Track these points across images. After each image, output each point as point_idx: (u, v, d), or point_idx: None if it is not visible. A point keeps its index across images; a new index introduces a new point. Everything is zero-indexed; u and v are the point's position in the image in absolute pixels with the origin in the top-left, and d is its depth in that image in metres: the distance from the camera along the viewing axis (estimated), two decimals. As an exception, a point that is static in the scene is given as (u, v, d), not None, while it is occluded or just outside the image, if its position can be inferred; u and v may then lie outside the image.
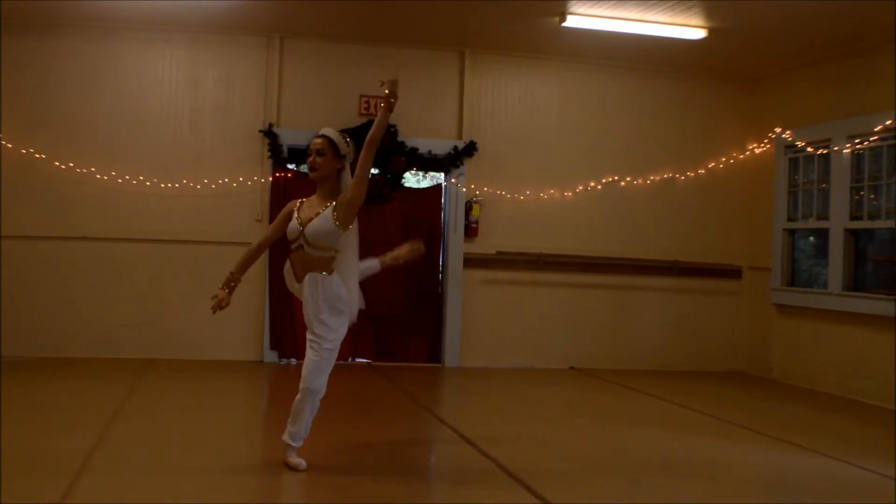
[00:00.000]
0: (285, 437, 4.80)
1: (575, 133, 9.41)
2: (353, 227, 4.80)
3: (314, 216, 4.70)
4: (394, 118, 8.74)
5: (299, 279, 4.80)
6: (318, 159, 4.72)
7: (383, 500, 4.43)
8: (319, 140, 4.73)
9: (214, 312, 4.74)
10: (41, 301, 8.37)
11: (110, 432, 5.44)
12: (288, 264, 4.90)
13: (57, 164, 8.34)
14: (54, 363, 8.00)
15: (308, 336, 4.76)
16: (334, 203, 4.70)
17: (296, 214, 4.78)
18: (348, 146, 4.80)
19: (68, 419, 5.85)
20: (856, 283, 8.25)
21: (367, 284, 9.07)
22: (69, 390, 6.97)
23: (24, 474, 4.44)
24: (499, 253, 9.16)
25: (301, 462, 4.75)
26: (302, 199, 4.87)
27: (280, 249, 8.58)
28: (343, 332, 4.80)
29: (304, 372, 4.72)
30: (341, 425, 6.12)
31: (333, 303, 4.74)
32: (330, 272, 4.75)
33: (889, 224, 7.87)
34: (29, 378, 7.35)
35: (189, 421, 6.05)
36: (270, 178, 8.69)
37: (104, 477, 4.49)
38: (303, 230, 4.70)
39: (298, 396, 4.74)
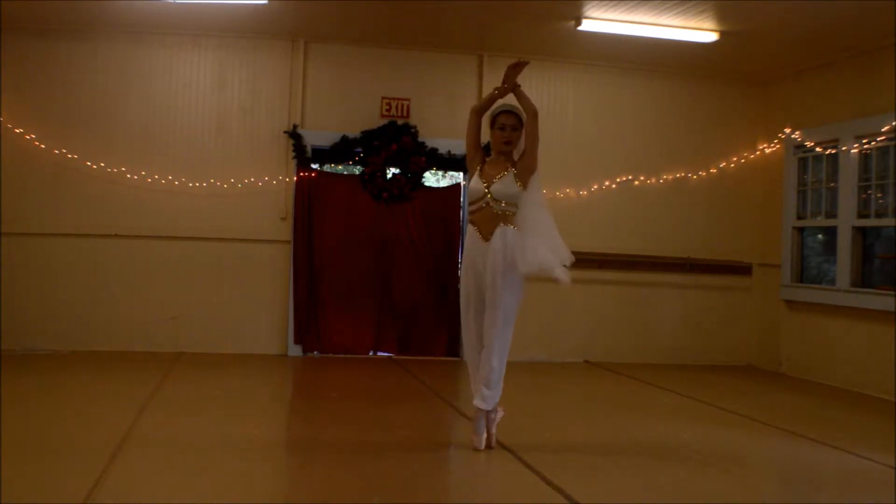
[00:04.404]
0: (479, 403, 5.15)
1: (590, 134, 9.58)
2: (537, 186, 5.20)
3: (497, 178, 5.13)
4: (414, 119, 9.12)
5: (486, 237, 5.14)
6: (514, 134, 5.15)
7: (405, 485, 4.57)
8: (513, 116, 5.15)
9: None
10: (73, 296, 8.61)
11: (141, 421, 5.62)
12: (471, 228, 5.24)
13: (89, 164, 8.60)
14: (86, 356, 8.24)
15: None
16: (514, 169, 5.15)
17: (478, 173, 5.19)
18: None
19: (101, 409, 6.04)
20: (863, 279, 8.40)
21: (391, 278, 9.35)
22: (101, 382, 7.19)
23: (61, 459, 4.64)
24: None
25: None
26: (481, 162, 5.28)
27: (304, 252, 8.88)
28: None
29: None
30: (367, 415, 6.37)
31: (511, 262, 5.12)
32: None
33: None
34: (62, 370, 7.59)
35: (216, 410, 6.25)
36: (295, 178, 8.92)
37: (135, 463, 4.65)
38: (488, 190, 5.12)
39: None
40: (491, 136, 5.28)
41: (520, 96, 5.16)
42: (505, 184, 5.12)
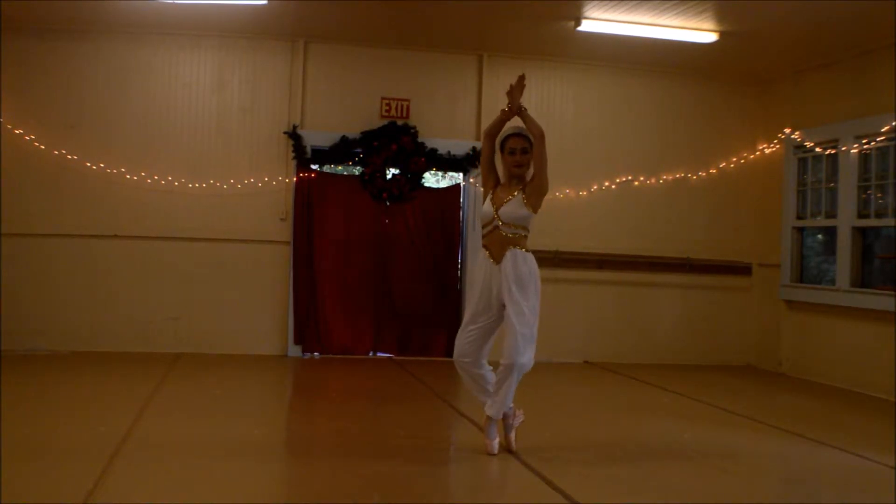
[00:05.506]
0: (488, 410, 5.17)
1: (589, 134, 9.59)
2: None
3: (506, 201, 5.12)
4: (414, 120, 9.13)
5: (497, 260, 5.11)
6: (524, 157, 5.14)
7: (405, 485, 4.56)
8: (522, 139, 5.13)
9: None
10: (73, 296, 8.61)
11: (141, 421, 5.62)
12: (483, 252, 5.21)
13: (89, 164, 8.60)
14: (86, 356, 8.24)
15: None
16: (523, 192, 5.13)
17: (490, 197, 5.20)
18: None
19: (101, 409, 6.04)
20: (863, 279, 8.40)
21: (391, 279, 9.36)
22: (101, 382, 7.19)
23: (61, 460, 4.64)
24: (515, 250, 9.34)
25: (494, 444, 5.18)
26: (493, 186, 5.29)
27: (304, 252, 8.89)
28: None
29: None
30: (367, 415, 6.37)
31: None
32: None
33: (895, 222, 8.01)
34: (62, 371, 7.59)
35: (216, 410, 6.25)
36: (295, 179, 8.92)
37: (135, 463, 4.66)
38: (497, 213, 5.11)
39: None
40: (501, 160, 5.27)
41: (526, 119, 5.16)
42: (513, 206, 5.11)
